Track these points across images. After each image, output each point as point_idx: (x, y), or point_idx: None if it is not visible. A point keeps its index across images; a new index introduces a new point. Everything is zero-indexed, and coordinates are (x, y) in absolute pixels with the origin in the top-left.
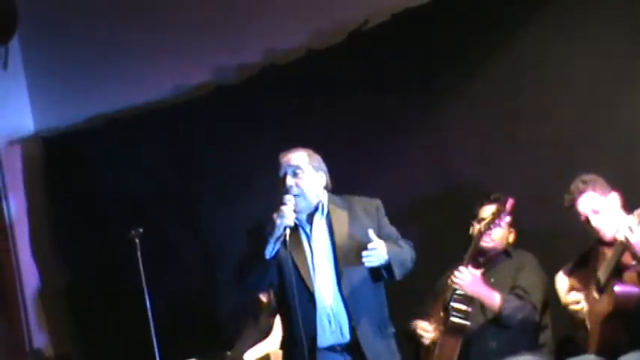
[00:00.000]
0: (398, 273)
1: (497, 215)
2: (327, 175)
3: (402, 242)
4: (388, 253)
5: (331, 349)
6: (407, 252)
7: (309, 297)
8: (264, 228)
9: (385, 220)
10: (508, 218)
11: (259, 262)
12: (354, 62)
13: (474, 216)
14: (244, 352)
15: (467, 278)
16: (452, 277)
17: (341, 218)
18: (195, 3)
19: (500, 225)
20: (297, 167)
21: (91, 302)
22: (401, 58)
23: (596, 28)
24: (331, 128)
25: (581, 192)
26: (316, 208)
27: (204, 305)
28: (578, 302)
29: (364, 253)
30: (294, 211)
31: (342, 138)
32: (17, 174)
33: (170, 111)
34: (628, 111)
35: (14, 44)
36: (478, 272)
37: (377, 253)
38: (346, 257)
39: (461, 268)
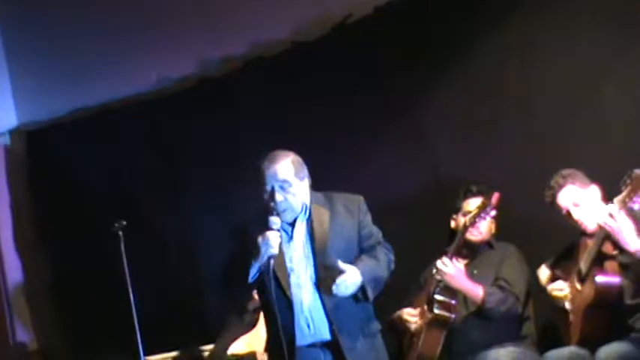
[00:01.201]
0: (371, 295)
1: (483, 208)
2: (309, 177)
3: (379, 249)
4: (362, 274)
5: (311, 345)
6: (382, 263)
7: (287, 303)
8: (249, 234)
9: (367, 219)
10: (494, 212)
11: (243, 284)
12: (337, 55)
13: (457, 209)
14: (228, 345)
15: (451, 271)
16: (436, 269)
17: (322, 217)
18: None
19: (485, 218)
20: (285, 181)
21: (75, 296)
22: (384, 51)
23: (579, 20)
24: (315, 121)
25: (561, 186)
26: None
27: (189, 299)
28: (561, 290)
29: (334, 286)
30: (279, 236)
31: (326, 131)
32: (0, 168)
33: (154, 104)
34: (610, 103)
35: None
36: (462, 264)
37: (347, 284)
38: (325, 260)
39: (445, 260)
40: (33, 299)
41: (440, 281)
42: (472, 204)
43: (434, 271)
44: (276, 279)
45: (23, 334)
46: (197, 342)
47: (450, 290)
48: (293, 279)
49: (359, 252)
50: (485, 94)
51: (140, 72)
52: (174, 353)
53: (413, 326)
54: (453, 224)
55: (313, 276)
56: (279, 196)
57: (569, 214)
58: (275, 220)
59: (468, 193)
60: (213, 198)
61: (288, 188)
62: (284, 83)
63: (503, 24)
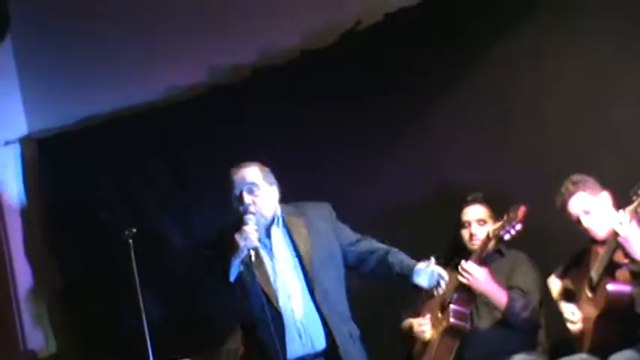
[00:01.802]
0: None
1: (509, 222)
2: (278, 186)
3: (375, 241)
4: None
5: (302, 358)
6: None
7: (276, 314)
8: (221, 241)
9: (339, 222)
10: (519, 226)
11: (223, 287)
12: (347, 63)
13: (459, 221)
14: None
15: (477, 274)
16: (460, 273)
17: (299, 226)
18: (189, 3)
19: (510, 232)
20: (253, 184)
21: (85, 303)
22: (394, 59)
23: (588, 27)
24: (324, 129)
25: (571, 193)
26: (272, 221)
27: (199, 305)
28: (573, 323)
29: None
30: (256, 230)
31: (335, 139)
32: (11, 175)
33: (164, 112)
34: (619, 110)
35: (7, 45)
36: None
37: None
38: (314, 264)
39: (469, 264)
40: (43, 306)
41: (458, 289)
42: (469, 213)
43: (458, 275)
44: (263, 292)
45: (34, 341)
46: (206, 349)
47: (465, 300)
48: (280, 289)
49: (349, 251)
50: (496, 102)
51: (150, 80)
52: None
53: (426, 336)
54: (457, 238)
55: (304, 285)
56: (247, 199)
57: (579, 221)
58: (251, 217)
59: (464, 203)
60: (223, 206)
61: (256, 191)
62: (293, 91)
63: (514, 30)
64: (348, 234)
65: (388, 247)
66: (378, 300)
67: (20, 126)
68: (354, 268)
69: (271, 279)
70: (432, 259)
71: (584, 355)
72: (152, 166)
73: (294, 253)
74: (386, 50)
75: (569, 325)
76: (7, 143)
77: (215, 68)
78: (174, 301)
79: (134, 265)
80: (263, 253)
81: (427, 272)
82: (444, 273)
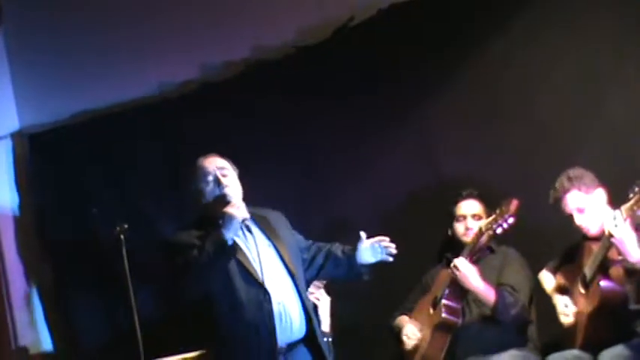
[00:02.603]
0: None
1: (501, 216)
2: None
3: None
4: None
5: (289, 345)
6: None
7: (262, 295)
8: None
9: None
10: (512, 219)
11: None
12: (340, 58)
13: (451, 216)
14: None
15: (467, 271)
16: (452, 268)
17: (266, 222)
18: None
19: (502, 226)
20: (224, 168)
21: (77, 300)
22: (387, 54)
23: (581, 21)
24: (317, 124)
25: (566, 190)
26: None
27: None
28: (567, 315)
29: (384, 244)
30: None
31: (329, 134)
32: (2, 171)
33: (156, 107)
34: (612, 104)
35: None
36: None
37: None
38: (290, 255)
39: (461, 259)
40: (35, 304)
41: (450, 284)
42: (464, 207)
43: (450, 270)
44: (246, 270)
45: (25, 339)
46: (199, 347)
47: (457, 295)
48: (263, 270)
49: (308, 252)
50: (490, 96)
51: (143, 76)
52: (176, 358)
53: (408, 347)
54: (450, 232)
55: (287, 272)
56: (224, 180)
57: (572, 217)
58: (229, 192)
59: (459, 197)
60: None
61: (229, 175)
62: (286, 87)
63: (507, 24)
64: (301, 239)
65: (329, 243)
66: (369, 296)
67: (12, 121)
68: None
69: (252, 259)
70: (362, 234)
71: (575, 351)
72: (145, 162)
73: (269, 242)
74: (379, 46)
75: (563, 318)
76: None
77: (208, 64)
78: (168, 298)
79: (125, 261)
80: (240, 235)
81: (368, 248)
82: (383, 238)
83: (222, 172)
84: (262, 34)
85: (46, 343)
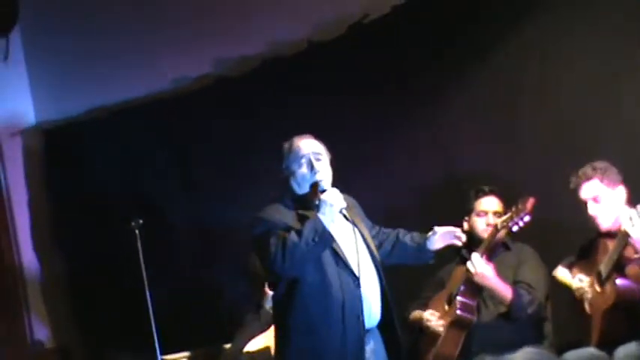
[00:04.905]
0: None
1: (517, 214)
2: None
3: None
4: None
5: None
6: None
7: (352, 280)
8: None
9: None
10: (528, 217)
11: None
12: (354, 55)
13: (469, 210)
14: (245, 344)
15: (483, 269)
16: (468, 266)
17: (352, 207)
18: None
19: (518, 223)
20: (319, 153)
21: (92, 294)
22: (402, 50)
23: (597, 17)
24: (332, 121)
25: (588, 178)
26: None
27: (205, 296)
28: (582, 287)
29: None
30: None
31: (342, 130)
32: (18, 165)
33: (170, 103)
34: (631, 103)
35: (15, 35)
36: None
37: None
38: (371, 244)
39: (476, 257)
40: (50, 298)
41: (465, 281)
42: (485, 203)
43: (465, 268)
44: (335, 254)
45: (41, 333)
46: (213, 341)
47: (472, 292)
48: (351, 255)
49: (377, 238)
50: (505, 94)
51: (157, 71)
52: (190, 352)
53: (438, 328)
54: (465, 226)
55: (367, 253)
56: (318, 165)
57: (586, 206)
58: (322, 178)
59: (480, 193)
60: (228, 197)
61: (322, 160)
62: (300, 83)
63: (523, 22)
64: (370, 224)
65: (395, 229)
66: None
67: (28, 117)
68: None
69: (343, 244)
70: (436, 229)
71: (591, 349)
72: (159, 157)
73: (353, 227)
74: (394, 41)
75: (579, 291)
76: (14, 133)
77: (222, 60)
78: (181, 292)
79: (141, 255)
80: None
81: (439, 237)
82: (455, 229)
83: (317, 157)
84: (277, 30)
85: (62, 338)
